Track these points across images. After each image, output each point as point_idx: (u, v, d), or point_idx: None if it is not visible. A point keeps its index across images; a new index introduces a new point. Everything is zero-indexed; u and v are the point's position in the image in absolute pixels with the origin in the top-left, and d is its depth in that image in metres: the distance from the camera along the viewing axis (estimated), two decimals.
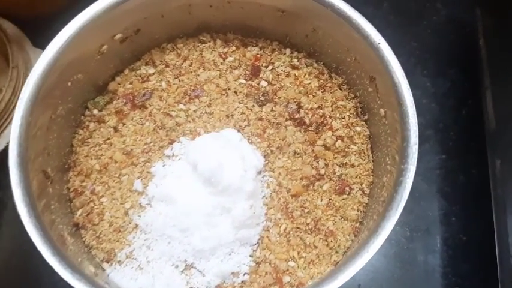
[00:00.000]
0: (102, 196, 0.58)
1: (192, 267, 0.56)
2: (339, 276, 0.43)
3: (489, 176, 0.88)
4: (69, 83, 0.57)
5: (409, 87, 0.51)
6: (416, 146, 0.48)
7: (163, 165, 0.59)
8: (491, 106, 0.90)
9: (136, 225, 0.57)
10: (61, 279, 0.46)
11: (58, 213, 0.53)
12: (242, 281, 0.56)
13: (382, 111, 0.56)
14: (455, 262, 0.90)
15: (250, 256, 0.57)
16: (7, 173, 0.93)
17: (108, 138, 0.61)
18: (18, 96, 0.94)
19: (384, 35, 0.89)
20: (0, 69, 1.02)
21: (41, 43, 1.03)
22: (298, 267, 0.56)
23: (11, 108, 0.97)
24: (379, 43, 0.53)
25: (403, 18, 0.97)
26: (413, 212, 0.93)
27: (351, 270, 0.43)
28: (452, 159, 0.99)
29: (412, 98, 0.50)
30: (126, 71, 0.64)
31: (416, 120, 0.49)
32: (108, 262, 0.56)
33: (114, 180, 0.59)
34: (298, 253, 0.57)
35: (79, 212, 0.57)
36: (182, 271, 0.56)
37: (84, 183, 0.58)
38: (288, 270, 0.56)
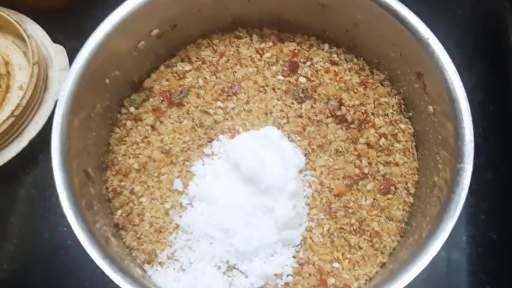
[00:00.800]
0: (142, 196, 0.57)
1: (235, 268, 0.55)
2: (398, 280, 0.42)
3: None
4: (107, 80, 0.56)
5: (461, 83, 0.49)
6: (472, 145, 0.46)
7: (203, 164, 0.58)
8: None
9: (177, 226, 0.56)
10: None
11: (101, 214, 0.52)
12: (285, 283, 0.54)
13: (430, 108, 0.54)
14: (484, 260, 0.88)
15: (294, 257, 0.55)
16: (36, 168, 0.92)
17: (146, 137, 0.59)
18: (39, 94, 0.94)
19: None
20: (21, 66, 1.00)
21: (60, 39, 1.02)
22: (343, 268, 0.55)
23: (32, 105, 0.96)
24: (428, 38, 0.52)
25: (428, 11, 0.95)
26: None
27: (411, 273, 0.42)
28: (480, 156, 0.97)
29: (465, 95, 0.48)
30: (162, 68, 0.63)
31: (471, 118, 0.48)
32: (149, 263, 0.55)
33: (153, 180, 0.58)
34: (342, 254, 0.55)
35: (119, 213, 0.56)
36: (224, 272, 0.55)
37: (122, 183, 0.57)
38: (332, 271, 0.55)
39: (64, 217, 0.90)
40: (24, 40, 0.93)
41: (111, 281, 0.83)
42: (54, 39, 1.00)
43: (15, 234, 0.83)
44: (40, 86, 0.96)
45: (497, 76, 1.00)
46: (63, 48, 1.00)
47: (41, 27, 1.00)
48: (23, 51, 0.99)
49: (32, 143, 0.93)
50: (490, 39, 1.04)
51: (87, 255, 0.87)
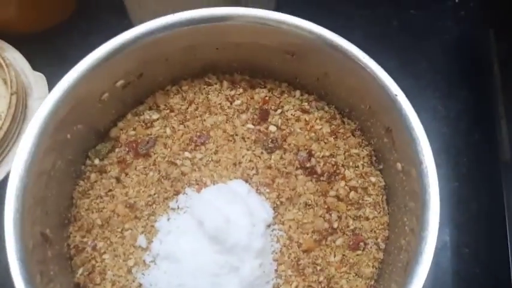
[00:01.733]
0: (104, 253, 0.55)
1: None
2: None
3: (504, 208, 0.85)
4: (69, 135, 0.54)
5: (428, 145, 0.48)
6: (438, 215, 0.45)
7: (168, 219, 0.56)
8: (506, 137, 0.87)
9: (140, 285, 0.54)
10: None
11: (58, 277, 0.50)
12: None
13: (399, 165, 0.53)
14: None
15: None
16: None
17: (110, 190, 0.58)
18: (18, 123, 0.92)
19: (393, 55, 0.85)
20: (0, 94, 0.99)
21: (39, 64, 1.00)
22: None
23: (10, 135, 0.95)
24: (396, 95, 0.50)
25: (414, 37, 0.94)
26: None
27: None
28: (464, 187, 0.96)
29: (432, 158, 0.47)
30: (129, 116, 0.61)
31: (437, 183, 0.46)
32: None
33: (116, 236, 0.56)
34: None
35: (80, 271, 0.54)
36: None
37: (85, 239, 0.56)
38: None
39: None
40: (2, 67, 0.91)
41: None
42: (35, 66, 0.99)
43: None
44: (18, 116, 0.95)
45: (483, 104, 0.99)
46: (43, 76, 0.99)
47: (22, 53, 0.98)
48: (3, 78, 0.98)
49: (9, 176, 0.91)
50: (477, 66, 1.04)
51: None
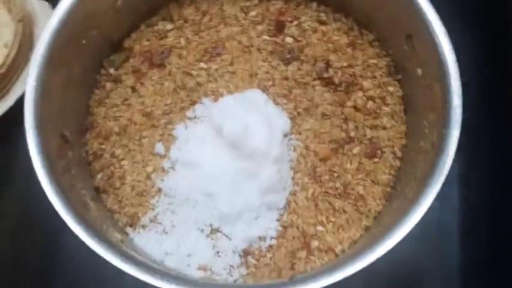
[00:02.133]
0: (123, 159, 0.56)
1: (218, 231, 0.55)
2: (376, 248, 0.42)
3: None
4: (84, 41, 0.54)
5: (451, 47, 0.47)
6: (460, 110, 0.45)
7: (186, 128, 0.57)
8: None
9: (160, 189, 0.55)
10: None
11: (79, 177, 0.50)
12: (269, 245, 0.54)
13: (419, 70, 0.52)
14: (476, 222, 0.89)
15: (277, 220, 0.55)
16: (19, 128, 0.92)
17: (126, 99, 0.58)
18: (25, 52, 0.91)
19: None
20: (4, 23, 0.97)
21: None
22: (326, 231, 0.55)
23: (17, 63, 0.94)
24: None
25: None
26: None
27: (393, 239, 0.41)
28: (479, 118, 0.97)
29: (454, 58, 0.47)
30: (142, 27, 0.60)
31: (460, 82, 0.46)
32: (131, 226, 0.54)
33: (134, 143, 0.56)
34: (326, 218, 0.55)
35: (99, 176, 0.55)
36: (208, 235, 0.55)
37: (103, 146, 0.56)
38: (316, 234, 0.54)
39: None
40: None
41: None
42: None
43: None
44: (25, 44, 0.93)
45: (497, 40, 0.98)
46: (49, 4, 0.97)
47: None
48: (7, 7, 0.95)
49: (19, 102, 0.91)
50: (493, 14, 1.02)
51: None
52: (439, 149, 0.44)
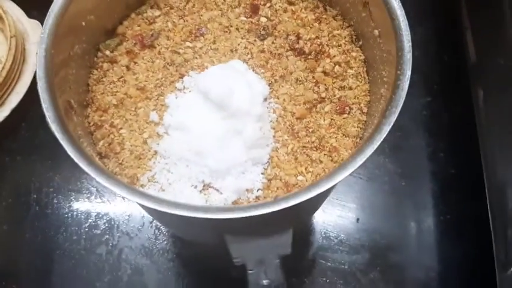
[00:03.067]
0: (121, 128, 0.62)
1: (210, 186, 0.61)
2: (347, 166, 0.48)
3: (473, 112, 0.95)
4: (83, 23, 0.61)
5: (400, 4, 0.56)
6: (410, 54, 0.53)
7: (176, 97, 0.63)
8: (472, 44, 0.97)
9: (156, 152, 0.61)
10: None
11: (84, 138, 0.56)
12: (256, 196, 0.60)
13: (376, 32, 0.60)
14: (445, 193, 0.97)
15: (262, 174, 0.61)
16: (15, 136, 0.97)
17: (122, 76, 0.65)
18: (18, 65, 0.98)
19: None
20: None
21: (34, 15, 1.07)
22: (306, 180, 0.61)
23: (12, 75, 1.01)
24: None
25: None
26: (403, 150, 1.00)
27: (361, 157, 0.48)
28: (436, 100, 1.06)
29: (403, 13, 0.55)
30: (133, 15, 0.68)
31: (409, 32, 0.54)
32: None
33: (131, 114, 0.63)
34: (305, 168, 0.61)
35: (101, 143, 0.61)
36: (201, 190, 0.60)
37: (103, 118, 0.62)
38: (297, 184, 0.61)
39: (49, 178, 0.95)
40: (0, 17, 0.97)
41: (97, 234, 0.88)
42: (30, 16, 1.05)
43: None
44: (18, 58, 1.01)
45: (450, 28, 1.09)
46: (39, 23, 1.05)
47: (16, 4, 1.04)
48: (0, 28, 1.03)
49: (14, 112, 0.98)
50: None
51: (73, 211, 0.93)
52: (394, 87, 0.51)
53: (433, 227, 0.93)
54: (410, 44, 0.53)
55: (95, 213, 0.92)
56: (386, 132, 0.48)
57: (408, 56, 0.52)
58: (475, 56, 0.93)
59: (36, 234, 0.91)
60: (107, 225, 0.91)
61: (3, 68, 0.95)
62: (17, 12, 1.05)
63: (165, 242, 0.89)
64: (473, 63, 0.93)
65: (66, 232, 0.91)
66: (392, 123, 0.49)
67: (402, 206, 0.95)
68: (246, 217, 0.45)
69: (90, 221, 0.92)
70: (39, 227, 0.91)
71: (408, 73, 0.52)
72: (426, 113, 1.05)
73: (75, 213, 0.91)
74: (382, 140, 0.48)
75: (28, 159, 0.98)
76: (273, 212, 0.45)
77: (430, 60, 1.10)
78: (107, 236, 0.90)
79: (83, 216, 0.91)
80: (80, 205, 0.92)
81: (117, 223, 0.90)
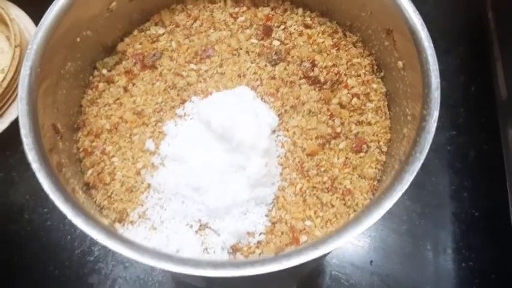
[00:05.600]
0: (113, 156, 0.57)
1: (207, 227, 0.55)
2: (364, 221, 0.42)
3: (500, 151, 0.87)
4: (78, 39, 0.56)
5: (428, 34, 0.49)
6: (439, 92, 0.46)
7: (175, 125, 0.58)
8: (502, 77, 0.90)
9: (149, 185, 0.55)
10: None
11: (69, 168, 0.51)
12: (258, 241, 0.54)
13: (400, 63, 0.54)
14: (467, 237, 0.89)
15: (266, 216, 0.55)
16: (16, 150, 0.93)
17: (118, 98, 0.59)
18: None
19: None
20: (3, 50, 1.01)
21: None
22: (315, 226, 0.54)
23: (14, 86, 0.96)
24: None
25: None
26: (424, 187, 0.93)
27: (377, 213, 0.41)
28: (462, 135, 0.99)
29: (432, 45, 0.49)
30: (135, 32, 0.63)
31: (437, 67, 0.48)
32: (120, 222, 0.54)
33: (125, 140, 0.57)
34: (314, 212, 0.55)
35: (89, 172, 0.55)
36: (196, 231, 0.54)
37: (94, 143, 0.57)
38: (304, 229, 0.54)
39: (44, 197, 0.91)
40: (7, 25, 0.93)
41: (90, 261, 0.83)
42: (38, 23, 1.00)
43: None
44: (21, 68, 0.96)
45: (479, 58, 1.02)
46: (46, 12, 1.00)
47: (25, 12, 1.00)
48: (6, 35, 0.99)
49: (13, 124, 0.93)
50: (472, 23, 1.06)
51: (66, 235, 0.87)
52: (419, 129, 0.45)
53: (454, 274, 0.86)
54: (438, 80, 0.46)
55: (89, 238, 0.86)
56: (409, 183, 0.42)
57: (436, 93, 0.46)
58: (506, 92, 0.86)
59: (26, 257, 0.86)
60: (101, 251, 0.85)
61: (4, 78, 0.91)
62: (24, 21, 1.01)
63: (162, 275, 0.83)
64: (503, 99, 0.86)
65: (57, 257, 0.85)
66: (416, 172, 0.42)
67: (420, 248, 0.88)
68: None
69: (84, 245, 0.86)
70: (30, 249, 0.85)
71: (436, 113, 0.45)
72: (450, 148, 0.98)
73: (68, 237, 0.86)
74: (403, 191, 0.42)
75: (24, 176, 0.93)
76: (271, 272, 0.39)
77: (455, 91, 1.04)
78: (100, 264, 0.84)
79: (76, 241, 0.86)
80: (74, 228, 0.86)
81: (112, 250, 0.84)
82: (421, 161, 0.43)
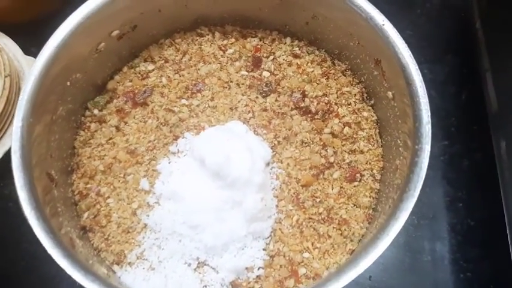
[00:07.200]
0: (108, 197, 0.57)
1: (205, 264, 0.55)
2: (360, 262, 0.42)
3: (494, 159, 0.88)
4: (68, 83, 0.56)
5: (417, 67, 0.50)
6: (429, 126, 0.47)
7: (169, 162, 0.58)
8: (492, 88, 0.90)
9: (145, 225, 0.55)
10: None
11: (65, 216, 0.51)
12: (257, 276, 0.54)
13: (389, 93, 0.55)
14: (464, 248, 0.89)
15: (264, 250, 0.55)
16: (7, 182, 0.92)
17: (111, 138, 0.59)
18: (12, 106, 0.93)
19: None
20: None
21: (32, 52, 1.02)
22: (313, 258, 0.55)
23: (5, 117, 0.96)
24: (383, 24, 0.52)
25: (397, 6, 0.97)
26: (419, 199, 0.93)
27: (373, 254, 0.42)
28: (455, 144, 0.99)
29: (421, 78, 0.49)
30: (125, 69, 0.63)
31: (427, 100, 0.48)
32: (118, 264, 0.54)
33: (119, 181, 0.57)
34: (312, 244, 0.55)
35: (85, 215, 0.55)
36: (195, 269, 0.55)
37: (88, 185, 0.57)
38: (303, 261, 0.55)
39: None
40: None
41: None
42: (26, 52, 1.00)
43: None
44: (13, 98, 0.95)
45: (468, 66, 1.02)
46: (35, 60, 1.00)
47: (13, 40, 1.00)
48: None
49: (7, 155, 0.92)
50: (460, 31, 1.07)
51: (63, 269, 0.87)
52: (412, 164, 0.45)
53: (453, 286, 0.86)
54: (429, 114, 0.47)
55: None
56: (404, 221, 0.42)
57: (427, 128, 0.46)
58: (496, 103, 0.87)
59: None
60: None
61: None
62: (13, 49, 1.00)
63: None
64: (494, 111, 0.87)
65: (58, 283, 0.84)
66: (410, 210, 0.43)
67: (418, 261, 0.88)
68: None
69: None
70: (26, 285, 0.85)
71: (427, 148, 0.45)
72: (444, 158, 0.98)
73: (66, 274, 0.85)
74: (399, 229, 0.42)
75: (20, 207, 0.92)
76: None
77: (446, 100, 1.04)
78: None
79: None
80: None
81: None
82: (415, 198, 0.44)
